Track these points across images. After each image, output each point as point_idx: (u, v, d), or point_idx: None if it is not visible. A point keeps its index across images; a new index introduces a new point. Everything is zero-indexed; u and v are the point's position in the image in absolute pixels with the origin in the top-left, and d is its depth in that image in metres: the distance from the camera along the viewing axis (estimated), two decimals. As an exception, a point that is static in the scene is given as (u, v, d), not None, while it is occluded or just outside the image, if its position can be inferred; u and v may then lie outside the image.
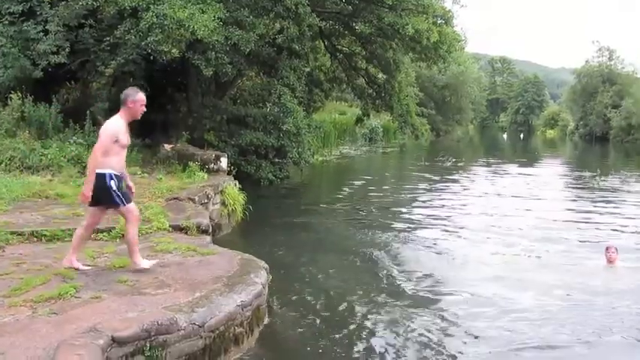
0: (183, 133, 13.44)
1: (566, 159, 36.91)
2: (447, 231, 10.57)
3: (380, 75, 19.02)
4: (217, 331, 4.49)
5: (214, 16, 11.37)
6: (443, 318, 5.95)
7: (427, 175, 21.01)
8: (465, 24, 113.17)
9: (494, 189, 17.39)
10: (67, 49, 12.06)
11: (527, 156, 36.65)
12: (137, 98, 5.15)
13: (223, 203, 9.90)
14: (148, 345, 3.97)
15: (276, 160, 15.35)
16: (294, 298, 6.50)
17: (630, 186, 18.77)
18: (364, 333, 5.55)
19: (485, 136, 78.68)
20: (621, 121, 53.27)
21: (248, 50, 12.48)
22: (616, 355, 5.34)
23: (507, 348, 5.23)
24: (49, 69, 12.11)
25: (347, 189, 16.66)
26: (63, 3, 12.28)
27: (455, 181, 19.91)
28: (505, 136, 74.83)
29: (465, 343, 5.35)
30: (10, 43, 12.26)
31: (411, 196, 15.75)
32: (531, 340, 5.40)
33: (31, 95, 11.79)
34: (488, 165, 27.78)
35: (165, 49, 11.29)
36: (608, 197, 15.57)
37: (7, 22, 12.46)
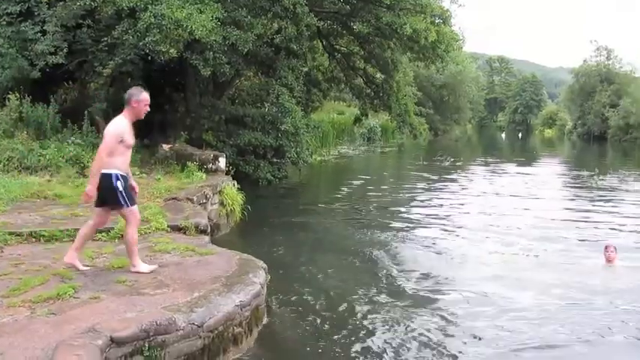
0: (182, 133, 13.43)
1: (564, 158, 36.95)
2: (445, 230, 10.57)
3: (378, 75, 19.01)
4: (216, 331, 4.49)
5: (212, 16, 11.36)
6: (442, 317, 5.95)
7: (425, 175, 21.02)
8: (463, 23, 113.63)
9: (492, 188, 17.39)
10: (64, 50, 12.04)
11: (526, 155, 36.63)
12: (141, 98, 5.13)
13: (222, 203, 9.90)
14: (147, 345, 3.97)
15: (275, 160, 15.31)
16: (293, 298, 6.49)
17: (628, 185, 18.80)
18: (363, 333, 5.54)
19: (484, 135, 78.74)
20: (619, 120, 53.46)
21: (246, 50, 12.47)
22: (615, 354, 5.35)
23: (507, 348, 5.23)
24: (47, 69, 12.09)
25: (345, 189, 16.66)
26: (61, 3, 12.25)
27: (453, 180, 19.91)
28: (503, 135, 74.93)
29: (465, 342, 5.35)
30: (7, 44, 12.25)
31: (410, 195, 15.75)
32: (531, 339, 5.40)
33: (28, 96, 11.76)
34: (487, 164, 27.77)
35: (163, 49, 11.29)
36: (606, 196, 15.59)
37: (4, 22, 12.44)
